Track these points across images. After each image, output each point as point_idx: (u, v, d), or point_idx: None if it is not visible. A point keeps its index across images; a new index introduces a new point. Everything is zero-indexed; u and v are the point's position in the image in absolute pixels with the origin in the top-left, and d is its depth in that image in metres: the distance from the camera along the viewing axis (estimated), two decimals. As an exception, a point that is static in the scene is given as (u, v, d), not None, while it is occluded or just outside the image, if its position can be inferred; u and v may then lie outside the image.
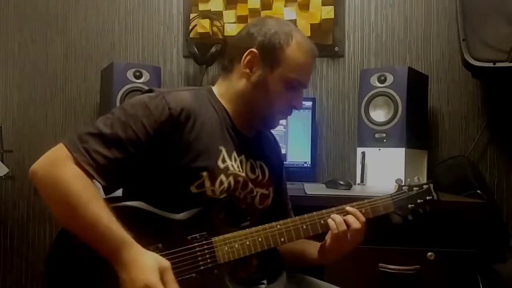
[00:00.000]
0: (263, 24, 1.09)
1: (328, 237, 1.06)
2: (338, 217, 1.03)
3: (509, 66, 1.57)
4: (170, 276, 0.88)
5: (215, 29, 2.08)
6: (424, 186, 1.13)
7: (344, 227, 1.02)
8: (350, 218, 1.04)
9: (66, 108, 2.21)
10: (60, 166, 0.89)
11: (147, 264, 0.86)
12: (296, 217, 1.05)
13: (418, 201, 1.11)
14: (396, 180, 1.14)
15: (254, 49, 1.06)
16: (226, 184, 1.01)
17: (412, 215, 1.10)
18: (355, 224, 1.03)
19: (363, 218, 1.04)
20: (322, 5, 2.02)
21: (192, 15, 2.09)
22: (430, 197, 1.11)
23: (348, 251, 1.07)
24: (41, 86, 2.21)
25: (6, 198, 2.20)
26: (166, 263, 0.88)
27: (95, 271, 0.92)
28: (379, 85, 1.81)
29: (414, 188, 1.12)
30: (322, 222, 1.04)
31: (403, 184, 1.13)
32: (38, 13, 2.21)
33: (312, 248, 1.13)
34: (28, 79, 2.22)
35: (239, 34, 1.14)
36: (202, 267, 0.95)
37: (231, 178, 1.02)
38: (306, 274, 1.22)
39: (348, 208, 1.05)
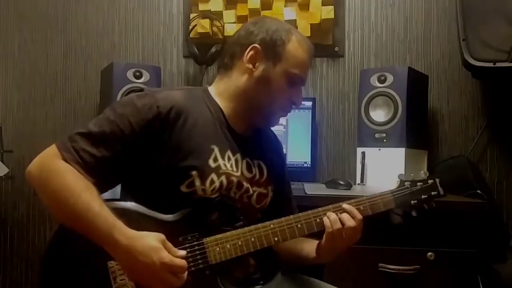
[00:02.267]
0: (263, 22, 1.11)
1: (324, 236, 1.04)
2: (333, 215, 1.01)
3: (509, 66, 1.57)
4: (169, 244, 0.90)
5: (215, 29, 2.08)
6: (429, 181, 1.06)
7: (338, 225, 1.00)
8: (344, 216, 1.01)
9: (66, 108, 2.21)
10: (53, 163, 0.94)
11: (150, 244, 0.88)
12: (291, 215, 1.03)
13: (422, 196, 1.04)
14: (398, 175, 1.08)
15: (256, 45, 1.07)
16: (217, 183, 1.01)
17: (416, 211, 1.05)
18: (350, 222, 1.00)
19: (359, 216, 1.01)
20: (322, 5, 2.02)
21: (192, 15, 2.09)
22: (436, 193, 1.05)
23: (344, 249, 1.04)
24: (41, 86, 2.21)
25: (6, 198, 2.20)
26: (160, 235, 0.90)
27: (90, 271, 0.93)
28: (379, 85, 1.80)
29: (418, 183, 1.06)
30: (317, 220, 1.02)
31: (405, 179, 1.07)
32: (38, 13, 2.21)
33: (309, 246, 1.11)
34: (28, 79, 2.21)
35: (237, 33, 1.14)
36: (193, 268, 0.94)
37: (223, 177, 1.02)
38: (306, 274, 1.21)
39: (344, 205, 1.02)
